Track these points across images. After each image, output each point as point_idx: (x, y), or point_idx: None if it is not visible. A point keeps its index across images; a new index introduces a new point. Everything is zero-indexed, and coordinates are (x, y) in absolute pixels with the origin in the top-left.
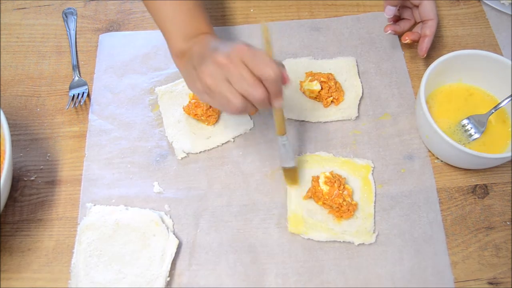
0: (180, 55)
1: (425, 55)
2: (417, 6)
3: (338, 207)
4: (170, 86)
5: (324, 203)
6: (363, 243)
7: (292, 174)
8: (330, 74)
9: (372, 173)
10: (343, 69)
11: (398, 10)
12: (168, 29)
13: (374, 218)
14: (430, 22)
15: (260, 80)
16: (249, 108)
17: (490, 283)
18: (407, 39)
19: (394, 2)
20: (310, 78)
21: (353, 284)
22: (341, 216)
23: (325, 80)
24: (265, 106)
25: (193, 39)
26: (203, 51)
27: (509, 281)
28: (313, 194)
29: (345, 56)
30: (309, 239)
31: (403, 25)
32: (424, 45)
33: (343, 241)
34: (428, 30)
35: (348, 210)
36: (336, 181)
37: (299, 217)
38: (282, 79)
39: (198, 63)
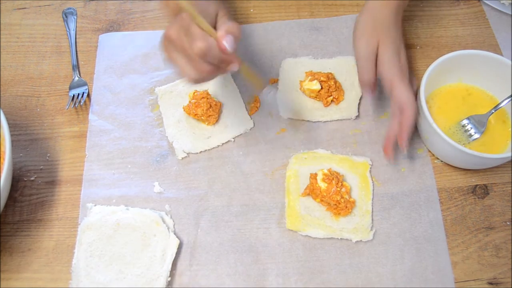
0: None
1: (404, 150)
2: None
3: (336, 204)
4: (170, 86)
5: (322, 200)
6: (360, 240)
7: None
8: (330, 73)
9: (370, 171)
10: (343, 68)
11: None
12: None
13: (372, 215)
14: (406, 112)
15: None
16: (206, 78)
17: (490, 283)
18: (388, 154)
19: (368, 88)
20: (310, 77)
21: (354, 283)
22: (339, 214)
23: (325, 79)
24: (222, 73)
25: None
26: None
27: (509, 281)
28: (311, 191)
29: (345, 56)
30: (307, 236)
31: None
32: (401, 138)
33: (342, 239)
34: (405, 122)
35: (346, 207)
36: (334, 178)
37: (297, 214)
38: (221, 50)
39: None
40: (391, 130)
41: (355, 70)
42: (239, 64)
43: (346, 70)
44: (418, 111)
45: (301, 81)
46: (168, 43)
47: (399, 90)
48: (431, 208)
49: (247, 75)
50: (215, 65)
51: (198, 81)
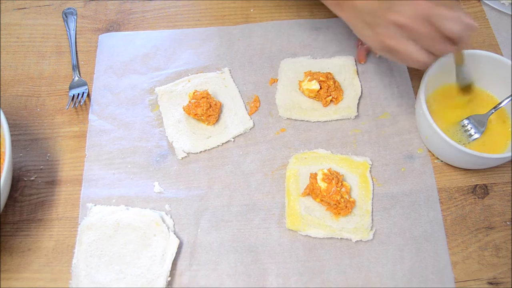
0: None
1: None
2: None
3: (336, 204)
4: (170, 86)
5: (322, 200)
6: (360, 240)
7: (468, 89)
8: (329, 73)
9: (370, 171)
10: (341, 68)
11: None
12: None
13: (372, 215)
14: None
15: (447, 36)
16: (433, 60)
17: (490, 283)
18: (361, 60)
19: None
20: (309, 77)
21: (354, 283)
22: (339, 213)
23: (324, 79)
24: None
25: None
26: (374, 8)
27: (509, 281)
28: (311, 191)
29: (343, 55)
30: (307, 236)
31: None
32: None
33: (342, 239)
34: None
35: (346, 207)
36: (334, 178)
37: (297, 214)
38: (468, 29)
39: (372, 22)
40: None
41: (354, 69)
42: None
43: (345, 69)
44: None
45: (300, 81)
46: (397, 31)
47: None
48: (431, 208)
49: (459, 54)
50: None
51: (427, 64)
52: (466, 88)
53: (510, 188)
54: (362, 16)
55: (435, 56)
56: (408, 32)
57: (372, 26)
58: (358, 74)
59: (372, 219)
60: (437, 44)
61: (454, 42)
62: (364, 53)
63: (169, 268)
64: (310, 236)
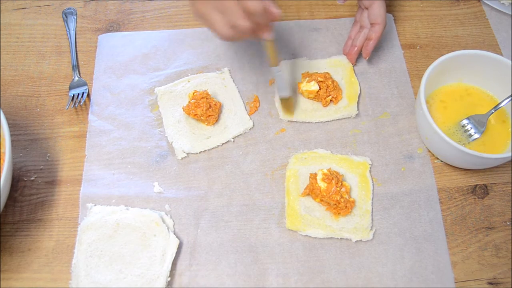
0: None
1: (367, 58)
2: (367, 8)
3: (335, 204)
4: (169, 86)
5: (321, 200)
6: (360, 240)
7: (288, 104)
8: (327, 73)
9: (370, 171)
10: (338, 67)
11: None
12: None
13: (372, 215)
14: (377, 26)
15: (247, 13)
16: (237, 37)
17: (490, 283)
18: (352, 59)
19: None
20: (307, 79)
21: (354, 283)
22: (339, 213)
23: (322, 79)
24: (254, 37)
25: None
26: None
27: (509, 281)
28: (311, 191)
29: (339, 55)
30: (307, 236)
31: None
32: (368, 48)
33: (342, 239)
34: (374, 34)
35: (346, 207)
36: (334, 178)
37: (297, 214)
38: (269, 14)
39: None
40: (360, 40)
41: (350, 67)
42: (271, 36)
43: (341, 69)
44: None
45: (298, 83)
46: (209, 1)
47: (378, 8)
48: (431, 208)
49: (269, 49)
50: (253, 27)
51: (228, 38)
52: (285, 102)
53: (510, 188)
54: None
55: (238, 33)
56: (216, 4)
57: None
58: (355, 72)
59: (372, 219)
60: (238, 20)
61: (255, 23)
62: (354, 56)
63: (169, 268)
64: (310, 236)
